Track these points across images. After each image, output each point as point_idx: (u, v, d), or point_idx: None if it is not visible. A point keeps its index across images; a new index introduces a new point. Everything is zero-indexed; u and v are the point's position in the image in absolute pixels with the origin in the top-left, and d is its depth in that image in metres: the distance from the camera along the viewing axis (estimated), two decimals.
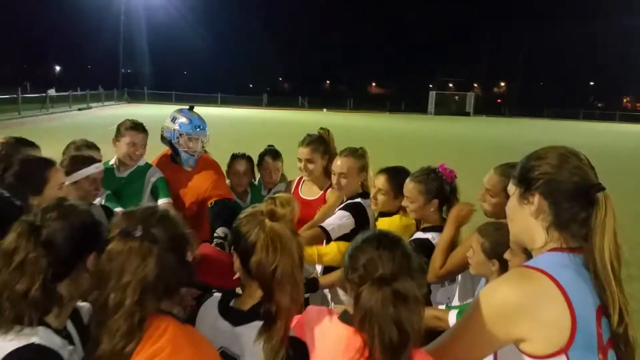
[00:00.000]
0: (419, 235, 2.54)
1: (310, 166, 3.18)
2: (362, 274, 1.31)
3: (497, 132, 29.58)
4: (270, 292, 1.42)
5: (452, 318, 1.95)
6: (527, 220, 1.37)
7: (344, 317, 1.39)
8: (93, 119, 25.35)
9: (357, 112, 49.82)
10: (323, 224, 2.78)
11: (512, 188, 1.43)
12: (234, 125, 24.49)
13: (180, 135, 3.22)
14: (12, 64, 68.08)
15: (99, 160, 2.74)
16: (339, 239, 2.76)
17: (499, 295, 1.28)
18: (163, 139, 3.33)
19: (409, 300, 1.25)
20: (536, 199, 1.33)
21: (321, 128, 3.32)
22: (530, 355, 1.24)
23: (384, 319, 1.24)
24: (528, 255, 1.90)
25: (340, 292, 2.79)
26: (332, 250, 2.59)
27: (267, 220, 1.43)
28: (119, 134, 3.25)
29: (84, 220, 1.37)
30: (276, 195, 1.50)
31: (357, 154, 2.95)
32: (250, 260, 1.43)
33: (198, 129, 3.24)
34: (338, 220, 2.80)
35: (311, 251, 2.59)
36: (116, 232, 1.28)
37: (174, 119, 3.28)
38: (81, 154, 2.76)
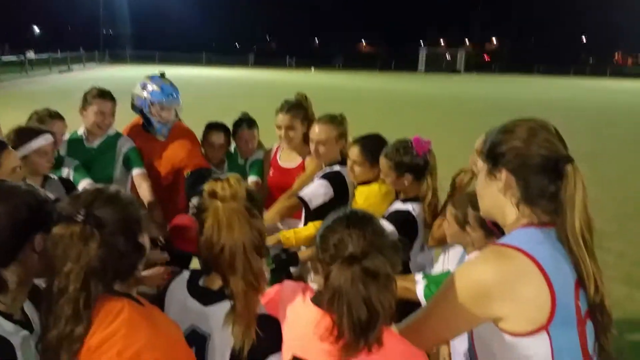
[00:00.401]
0: (399, 206, 2.48)
1: (291, 133, 3.05)
2: (332, 254, 1.27)
3: (487, 91, 29.34)
4: (223, 273, 1.39)
5: (419, 290, 1.93)
6: (496, 197, 1.34)
7: (317, 299, 1.37)
8: (74, 82, 24.70)
9: (346, 71, 49.17)
10: (301, 194, 2.68)
11: (480, 164, 1.39)
12: (220, 88, 24.03)
13: (151, 104, 3.07)
14: None
15: (49, 132, 2.56)
16: (317, 208, 2.67)
17: (475, 275, 1.25)
18: (134, 107, 3.18)
19: (380, 277, 1.22)
20: (504, 174, 1.31)
21: (298, 93, 3.16)
22: (509, 333, 1.22)
23: (353, 297, 1.21)
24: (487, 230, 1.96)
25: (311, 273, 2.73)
26: (309, 231, 2.51)
27: (217, 201, 1.38)
28: (85, 102, 3.08)
29: (24, 201, 1.30)
30: (223, 175, 1.44)
31: (336, 120, 2.82)
32: (200, 239, 1.41)
33: (170, 97, 3.09)
34: (316, 189, 2.71)
35: (288, 234, 2.56)
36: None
37: (144, 86, 3.12)
38: (28, 126, 2.59)
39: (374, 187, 2.68)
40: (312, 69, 47.76)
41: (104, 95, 3.07)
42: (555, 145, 1.28)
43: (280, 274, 2.39)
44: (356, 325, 1.21)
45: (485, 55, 75.63)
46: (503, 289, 1.20)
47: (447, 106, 20.30)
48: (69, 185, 2.64)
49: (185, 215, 2.76)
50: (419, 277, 2.02)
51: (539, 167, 1.27)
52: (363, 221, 1.32)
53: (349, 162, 2.72)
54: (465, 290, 1.24)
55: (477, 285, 1.23)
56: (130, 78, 27.91)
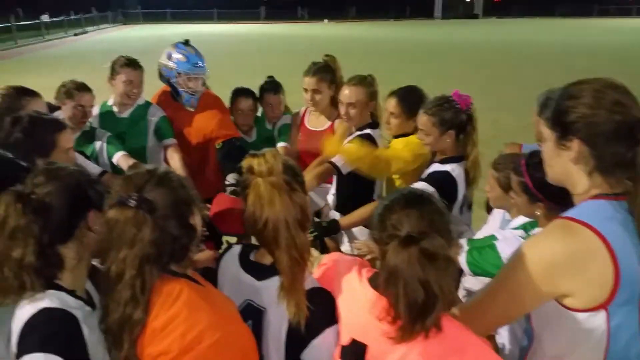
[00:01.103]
0: (437, 167, 2.44)
1: (317, 97, 3.05)
2: (390, 234, 1.26)
3: (507, 36, 28.37)
4: (269, 248, 1.42)
5: (462, 259, 1.92)
6: (566, 166, 1.29)
7: (374, 281, 1.36)
8: (90, 45, 24.63)
9: (359, 21, 47.82)
10: (333, 159, 2.71)
11: (546, 132, 1.33)
12: (233, 45, 23.68)
13: (178, 74, 3.05)
14: None
15: (57, 108, 2.62)
16: (350, 176, 2.71)
17: (543, 251, 1.24)
18: (161, 77, 3.17)
19: (438, 259, 1.19)
20: (575, 144, 1.24)
21: (326, 55, 3.14)
22: (569, 309, 1.23)
23: (410, 279, 1.18)
24: (531, 196, 1.85)
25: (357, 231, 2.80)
26: (354, 149, 2.56)
27: (256, 177, 1.39)
28: (114, 72, 3.07)
29: (74, 180, 1.35)
30: (260, 152, 1.44)
31: (366, 82, 2.80)
32: (244, 215, 1.43)
33: (196, 67, 3.05)
34: None
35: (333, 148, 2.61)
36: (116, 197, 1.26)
37: (169, 56, 3.08)
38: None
39: (413, 138, 2.66)
40: (326, 20, 46.57)
41: (132, 64, 3.05)
42: (627, 107, 1.20)
43: (320, 241, 2.42)
44: (412, 307, 1.19)
45: None
46: (571, 266, 1.19)
47: (466, 54, 19.74)
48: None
49: (224, 195, 2.80)
50: (463, 241, 2.02)
51: (613, 134, 1.20)
52: (421, 200, 1.30)
53: (385, 115, 2.73)
54: (533, 266, 1.23)
55: (546, 262, 1.22)
56: (144, 38, 27.74)
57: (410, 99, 2.67)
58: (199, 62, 3.07)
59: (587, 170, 1.25)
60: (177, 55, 3.06)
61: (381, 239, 1.29)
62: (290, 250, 1.36)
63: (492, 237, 2.01)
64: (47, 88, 2.87)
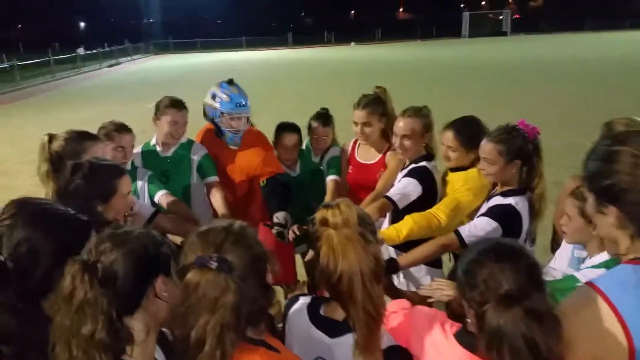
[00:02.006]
0: (499, 200, 2.30)
1: (367, 130, 2.97)
2: (483, 291, 1.19)
3: (537, 53, 27.97)
4: (343, 303, 1.34)
5: None
6: (607, 228, 1.26)
7: (463, 339, 1.31)
8: (124, 76, 25.41)
9: (386, 42, 48.05)
10: (388, 194, 2.60)
11: (585, 191, 1.31)
12: (263, 71, 24.03)
13: (222, 114, 3.02)
14: (38, 25, 68.30)
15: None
16: (406, 207, 2.58)
17: (568, 324, 1.19)
18: (205, 115, 3.15)
19: (544, 318, 1.13)
20: (612, 212, 1.21)
21: (377, 86, 3.06)
22: None
23: (516, 341, 1.12)
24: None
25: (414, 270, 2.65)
26: (409, 225, 2.40)
27: (329, 230, 1.33)
28: (158, 111, 3.06)
29: (141, 245, 1.25)
30: (333, 202, 1.39)
31: (421, 113, 2.70)
32: (318, 268, 1.37)
33: (239, 107, 3.01)
34: (404, 188, 2.61)
35: (389, 233, 2.43)
36: (191, 258, 1.19)
37: (213, 96, 3.06)
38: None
39: (472, 172, 2.55)
40: (352, 43, 46.99)
41: (177, 105, 3.03)
42: None
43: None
44: None
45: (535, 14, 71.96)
46: (584, 339, 1.16)
47: (496, 73, 19.49)
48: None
49: (267, 231, 2.71)
50: None
51: None
52: (514, 253, 1.23)
53: (442, 148, 2.62)
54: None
55: (570, 334, 1.17)
56: (176, 67, 28.47)
57: (469, 131, 2.56)
58: (242, 101, 3.02)
59: (628, 234, 1.22)
60: (221, 95, 3.03)
61: (472, 297, 1.22)
62: (366, 305, 1.29)
63: (573, 279, 1.87)
64: (84, 120, 2.90)
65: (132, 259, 1.21)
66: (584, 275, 1.86)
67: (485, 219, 2.23)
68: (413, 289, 2.78)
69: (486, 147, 2.28)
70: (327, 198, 3.08)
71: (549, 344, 1.12)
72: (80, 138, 2.27)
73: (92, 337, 1.13)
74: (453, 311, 1.56)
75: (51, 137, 2.26)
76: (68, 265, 1.16)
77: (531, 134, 2.25)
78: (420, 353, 1.35)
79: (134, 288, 1.21)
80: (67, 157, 2.16)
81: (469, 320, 1.28)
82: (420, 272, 2.78)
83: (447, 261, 3.26)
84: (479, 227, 2.23)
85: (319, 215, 1.36)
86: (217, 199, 2.96)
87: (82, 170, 1.97)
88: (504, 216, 2.22)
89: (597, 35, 45.28)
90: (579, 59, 22.93)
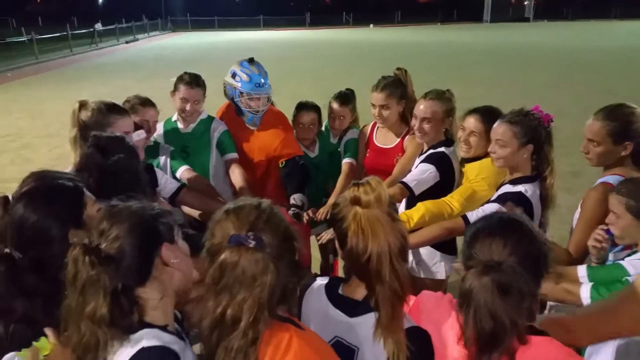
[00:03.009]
0: (509, 188, 2.27)
1: (385, 113, 2.93)
2: (473, 259, 1.27)
3: (560, 40, 27.37)
4: (370, 282, 1.33)
5: (584, 293, 1.75)
6: None
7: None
8: (141, 52, 25.42)
9: (405, 25, 47.36)
10: (405, 180, 2.58)
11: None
12: (280, 51, 23.86)
13: (241, 93, 3.00)
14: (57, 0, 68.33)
15: (141, 127, 2.60)
16: (422, 193, 2.56)
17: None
18: (226, 94, 3.14)
19: (511, 293, 1.20)
20: None
21: (398, 68, 3.01)
22: None
23: (480, 308, 1.20)
24: None
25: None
26: (420, 212, 2.39)
27: (357, 208, 1.33)
28: (175, 87, 3.06)
29: (139, 219, 1.26)
30: (363, 180, 1.36)
31: (444, 97, 2.66)
32: (344, 249, 1.36)
33: (259, 87, 2.98)
34: (421, 174, 2.59)
35: (401, 216, 2.38)
36: (221, 236, 1.20)
37: (233, 75, 3.04)
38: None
39: (487, 162, 2.51)
40: (371, 25, 46.39)
41: (191, 82, 3.00)
42: None
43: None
44: (480, 336, 1.21)
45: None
46: None
47: (517, 60, 19.12)
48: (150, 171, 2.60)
49: (284, 211, 2.72)
50: (582, 273, 1.86)
51: None
52: (509, 227, 1.28)
53: (463, 134, 2.58)
54: None
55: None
56: (193, 45, 28.42)
57: (493, 119, 2.50)
58: (261, 81, 2.99)
59: None
60: (240, 74, 3.01)
61: (466, 262, 1.29)
62: (392, 284, 1.29)
63: (619, 268, 1.82)
64: (102, 96, 2.90)
65: (133, 233, 1.22)
66: (633, 266, 1.80)
67: (495, 205, 2.20)
68: (425, 275, 2.78)
69: (500, 128, 2.24)
70: (340, 181, 3.07)
71: (511, 315, 1.19)
72: (107, 110, 2.27)
73: (94, 315, 1.16)
74: None
75: (81, 105, 2.27)
76: (70, 250, 1.18)
77: (545, 119, 2.23)
78: (431, 332, 1.36)
79: (139, 261, 1.23)
80: (91, 127, 2.17)
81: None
82: (434, 259, 2.77)
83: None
84: (487, 212, 2.20)
85: (349, 194, 1.35)
86: (236, 175, 2.97)
87: (110, 147, 1.95)
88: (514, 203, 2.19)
89: (623, 23, 44.07)
90: (603, 48, 22.38)
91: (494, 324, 1.18)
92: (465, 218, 2.25)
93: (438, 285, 2.76)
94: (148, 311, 1.25)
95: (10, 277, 1.24)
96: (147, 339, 1.18)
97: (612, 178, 2.13)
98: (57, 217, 1.37)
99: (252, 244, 1.15)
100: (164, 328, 1.25)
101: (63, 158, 7.76)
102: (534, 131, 2.20)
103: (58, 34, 25.33)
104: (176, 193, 2.61)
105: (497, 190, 2.38)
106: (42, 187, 1.44)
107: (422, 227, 2.37)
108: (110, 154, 1.94)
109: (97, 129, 2.12)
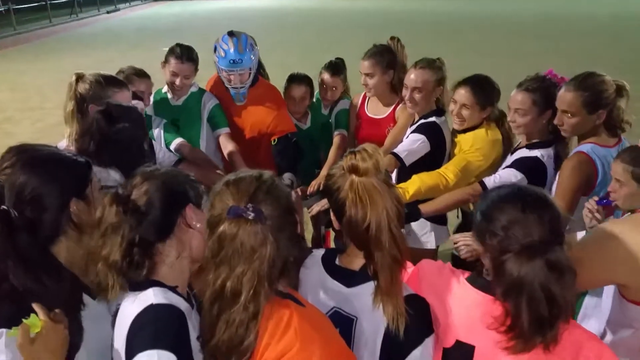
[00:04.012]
0: (525, 153, 2.29)
1: (370, 81, 2.90)
2: (503, 239, 1.20)
3: (555, 6, 27.14)
4: (369, 250, 1.32)
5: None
6: None
7: (476, 282, 1.33)
8: (123, 22, 24.78)
9: None
10: (395, 150, 2.57)
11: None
12: (267, 20, 23.41)
13: (220, 69, 2.95)
14: None
15: (140, 98, 2.61)
16: (413, 164, 2.55)
17: (613, 240, 1.40)
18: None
19: (565, 272, 1.15)
20: None
21: (391, 37, 2.97)
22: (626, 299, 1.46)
23: (535, 292, 1.15)
24: None
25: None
26: (416, 185, 2.38)
27: (353, 176, 1.31)
28: (165, 59, 2.99)
29: (169, 178, 1.31)
30: (358, 148, 1.34)
31: (434, 65, 2.63)
32: (342, 219, 1.34)
33: (234, 64, 2.88)
34: (411, 144, 2.58)
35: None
36: (220, 208, 1.18)
37: (215, 49, 2.96)
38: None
39: (481, 132, 2.52)
40: None
41: (182, 56, 2.93)
42: None
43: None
44: (535, 320, 1.15)
45: None
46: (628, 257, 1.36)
47: (507, 27, 18.95)
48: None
49: None
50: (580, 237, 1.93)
51: None
52: (540, 203, 1.23)
53: (454, 106, 2.56)
54: (602, 250, 1.42)
55: (611, 248, 1.40)
56: (176, 14, 27.78)
57: (484, 89, 2.52)
58: (237, 58, 2.87)
59: None
60: (219, 50, 2.93)
61: (492, 244, 1.23)
62: (392, 250, 1.28)
63: None
64: (84, 66, 2.83)
65: (161, 190, 1.26)
66: None
67: (511, 170, 2.23)
68: (414, 245, 2.78)
69: (518, 96, 2.24)
70: (331, 153, 3.05)
71: (565, 296, 1.15)
72: (105, 83, 2.23)
73: (108, 258, 1.21)
74: (456, 263, 1.58)
75: (78, 78, 2.22)
76: (104, 198, 1.25)
77: (560, 82, 2.23)
78: (433, 300, 1.36)
79: (163, 217, 1.25)
80: (89, 100, 2.15)
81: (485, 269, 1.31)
82: (425, 229, 2.78)
83: (454, 218, 3.26)
84: (504, 178, 2.23)
85: (345, 162, 1.33)
86: (229, 149, 2.93)
87: (116, 114, 1.98)
88: (531, 168, 2.22)
89: None
90: (610, 14, 22.22)
91: (551, 306, 1.15)
92: (482, 184, 2.26)
93: (429, 256, 2.76)
94: (162, 269, 1.27)
95: (6, 234, 1.23)
96: (156, 296, 1.20)
97: (587, 147, 2.14)
98: (61, 185, 1.38)
99: (252, 215, 1.13)
100: (173, 289, 1.26)
101: (45, 131, 7.63)
102: (552, 96, 2.20)
103: (36, 4, 24.52)
104: (175, 166, 2.58)
105: (511, 153, 2.41)
106: (52, 155, 1.45)
107: (417, 198, 2.38)
108: (116, 122, 1.95)
109: (94, 102, 2.09)
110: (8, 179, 1.34)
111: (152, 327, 1.14)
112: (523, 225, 1.19)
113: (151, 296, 1.19)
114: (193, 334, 1.20)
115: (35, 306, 1.19)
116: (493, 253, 1.23)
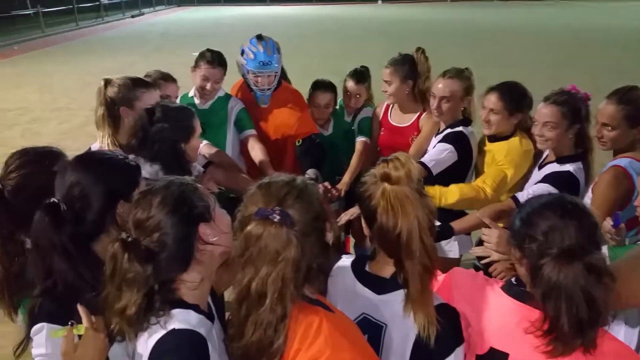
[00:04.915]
0: (556, 167, 2.27)
1: (389, 88, 2.96)
2: (542, 244, 1.22)
3: (577, 17, 26.87)
4: (399, 258, 1.32)
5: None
6: None
7: (511, 290, 1.34)
8: (147, 27, 25.18)
9: (414, 2, 46.53)
10: (423, 159, 2.56)
11: None
12: (287, 27, 23.58)
13: (247, 71, 3.01)
14: None
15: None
16: (439, 174, 2.55)
17: None
18: (239, 71, 3.14)
19: (603, 275, 1.17)
20: None
21: (417, 48, 2.98)
22: None
23: (575, 295, 1.16)
24: None
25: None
26: (456, 197, 2.39)
27: (386, 185, 1.31)
28: (196, 63, 3.05)
29: (174, 204, 1.23)
30: (391, 156, 1.35)
31: (463, 75, 2.63)
32: (373, 226, 1.35)
33: (263, 66, 2.96)
34: (439, 154, 2.57)
35: (432, 192, 2.40)
36: (252, 210, 1.18)
37: (242, 52, 3.04)
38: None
39: (515, 142, 2.51)
40: (379, 1, 45.63)
41: (213, 61, 2.99)
42: None
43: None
44: (575, 324, 1.17)
45: None
46: None
47: (528, 38, 18.80)
48: None
49: None
50: (604, 253, 1.88)
51: None
52: (578, 210, 1.25)
53: (483, 112, 2.55)
54: None
55: None
56: (199, 19, 28.14)
57: (514, 95, 2.51)
58: (266, 60, 2.97)
59: None
60: (247, 52, 3.01)
61: (530, 248, 1.25)
62: (422, 259, 1.28)
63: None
64: (109, 69, 2.91)
65: (171, 220, 1.21)
66: None
67: (544, 186, 2.20)
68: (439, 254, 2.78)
69: (547, 109, 2.23)
70: (354, 159, 3.08)
71: (604, 299, 1.16)
72: (133, 85, 2.28)
73: (123, 312, 1.17)
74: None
75: (107, 82, 2.27)
76: (111, 244, 1.19)
77: (586, 97, 2.24)
78: (465, 308, 1.37)
79: (179, 249, 1.22)
80: (119, 103, 2.20)
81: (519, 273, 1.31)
82: (449, 238, 2.76)
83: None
84: (538, 193, 2.20)
85: (378, 170, 1.34)
86: (256, 150, 2.97)
87: (159, 114, 2.04)
88: (564, 183, 2.19)
89: (627, 3, 43.17)
90: (612, 27, 21.94)
91: (591, 310, 1.16)
92: (515, 199, 2.24)
93: (451, 265, 2.75)
94: (184, 291, 1.26)
95: (54, 226, 1.26)
96: (178, 320, 1.19)
97: (624, 161, 2.13)
98: (111, 186, 1.41)
99: (277, 218, 1.14)
100: (195, 307, 1.26)
101: (71, 132, 7.79)
102: (578, 111, 2.21)
103: (64, 7, 25.06)
104: (204, 169, 2.62)
105: (538, 168, 2.39)
106: (106, 157, 1.49)
107: (452, 208, 2.40)
108: (156, 121, 2.02)
109: (124, 105, 2.15)
110: (60, 175, 1.38)
111: (174, 355, 1.15)
112: (563, 231, 1.21)
113: (173, 321, 1.19)
114: (214, 354, 1.21)
115: (80, 309, 1.21)
116: (532, 257, 1.25)
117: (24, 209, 1.39)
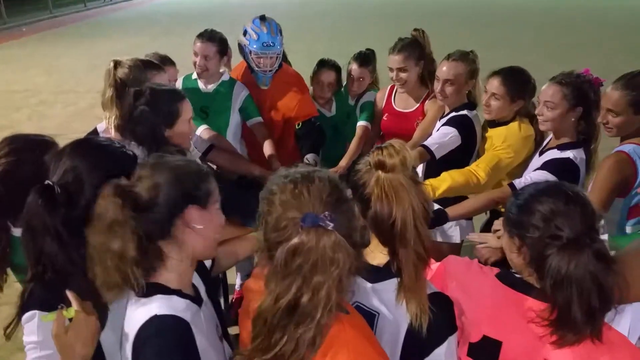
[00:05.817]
0: (556, 154, 2.22)
1: (404, 75, 2.85)
2: (545, 232, 1.21)
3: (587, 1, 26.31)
4: (393, 247, 1.30)
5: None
6: None
7: (506, 279, 1.33)
8: (155, 7, 25.08)
9: None
10: (426, 143, 2.53)
11: None
12: (292, 8, 23.31)
13: (250, 52, 2.97)
14: None
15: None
16: (443, 157, 2.51)
17: None
18: (240, 51, 3.10)
19: (610, 261, 1.17)
20: None
21: (415, 29, 2.91)
22: None
23: (586, 283, 1.15)
24: None
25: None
26: (447, 184, 2.35)
27: (379, 172, 1.29)
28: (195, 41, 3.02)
29: (180, 175, 1.27)
30: (385, 144, 1.32)
31: (468, 58, 2.57)
32: (367, 214, 1.33)
33: (266, 47, 2.93)
34: (442, 137, 2.53)
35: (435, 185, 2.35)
36: (293, 215, 1.09)
37: (245, 33, 3.00)
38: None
39: (514, 127, 2.46)
40: None
41: (203, 36, 2.95)
42: None
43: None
44: (588, 311, 1.16)
45: None
46: None
47: (540, 20, 18.45)
48: None
49: None
50: (604, 239, 1.86)
51: None
52: (579, 197, 1.24)
53: (484, 96, 2.51)
54: None
55: None
56: (206, 1, 27.65)
57: (516, 80, 2.45)
58: (269, 41, 2.94)
59: None
60: (250, 33, 2.97)
61: (532, 237, 1.23)
62: (417, 247, 1.26)
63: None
64: (117, 52, 2.86)
65: (170, 186, 1.24)
66: None
67: (543, 173, 2.17)
68: (439, 239, 2.76)
69: (549, 89, 2.18)
70: (353, 144, 3.04)
71: (613, 285, 1.16)
72: (144, 67, 2.25)
73: (123, 254, 1.18)
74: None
75: (116, 64, 2.25)
76: (104, 188, 1.21)
77: (595, 82, 2.17)
78: (459, 296, 1.35)
79: (161, 215, 1.24)
80: (130, 84, 2.16)
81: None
82: (450, 223, 2.73)
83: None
84: (536, 180, 2.17)
85: (372, 158, 1.31)
86: (266, 145, 2.95)
87: (144, 96, 1.99)
88: (564, 171, 2.15)
89: None
90: (633, 6, 21.45)
91: (601, 297, 1.16)
92: (512, 186, 2.21)
93: (454, 250, 2.75)
94: (164, 272, 1.27)
95: (49, 208, 1.26)
96: (159, 305, 1.20)
97: (628, 147, 2.08)
98: (105, 173, 1.38)
99: (331, 225, 1.06)
100: (178, 292, 1.26)
101: (78, 114, 7.80)
102: (585, 94, 2.15)
103: None
104: (206, 152, 2.63)
105: (539, 154, 2.35)
106: (103, 144, 1.48)
107: (446, 196, 2.34)
108: (140, 104, 1.98)
109: (135, 86, 2.11)
110: (55, 159, 1.38)
111: (155, 341, 1.15)
112: (567, 217, 1.20)
113: (155, 306, 1.19)
114: (200, 337, 1.20)
115: (69, 294, 1.21)
116: (534, 247, 1.23)
117: (10, 196, 1.38)
